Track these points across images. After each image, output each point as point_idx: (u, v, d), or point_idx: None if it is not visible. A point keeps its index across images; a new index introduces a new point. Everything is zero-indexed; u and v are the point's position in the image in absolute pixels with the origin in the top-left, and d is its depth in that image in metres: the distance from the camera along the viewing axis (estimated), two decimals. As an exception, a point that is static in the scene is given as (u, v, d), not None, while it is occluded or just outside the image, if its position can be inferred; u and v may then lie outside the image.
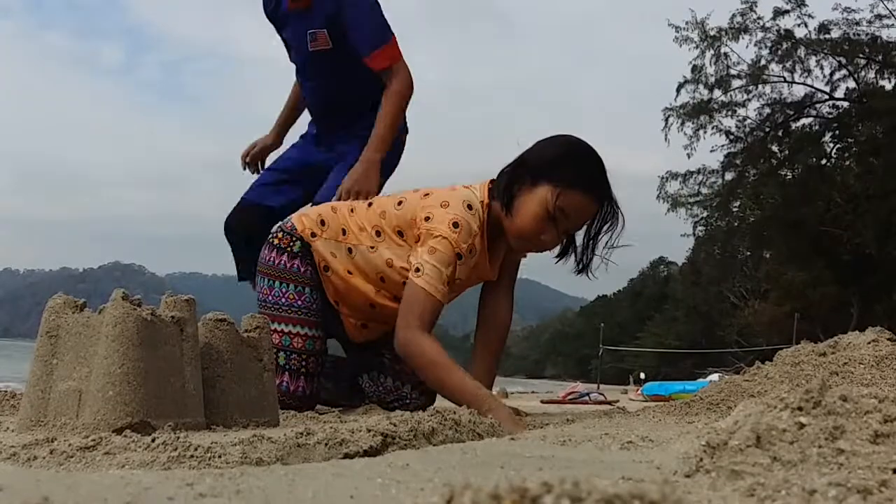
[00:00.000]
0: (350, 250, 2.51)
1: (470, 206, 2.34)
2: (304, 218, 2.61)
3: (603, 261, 2.50)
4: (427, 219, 2.32)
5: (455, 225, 2.29)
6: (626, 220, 2.42)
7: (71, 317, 1.66)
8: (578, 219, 2.39)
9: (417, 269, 2.25)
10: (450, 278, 2.28)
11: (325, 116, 3.31)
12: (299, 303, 2.51)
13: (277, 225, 2.67)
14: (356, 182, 2.95)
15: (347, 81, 3.16)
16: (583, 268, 2.50)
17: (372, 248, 2.48)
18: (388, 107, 3.05)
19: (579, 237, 2.49)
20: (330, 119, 3.29)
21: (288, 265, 2.53)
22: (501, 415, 2.01)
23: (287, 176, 3.35)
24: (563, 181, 2.29)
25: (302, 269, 2.53)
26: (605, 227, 2.43)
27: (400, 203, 2.46)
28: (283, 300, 2.51)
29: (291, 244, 2.54)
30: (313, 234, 2.54)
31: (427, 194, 2.43)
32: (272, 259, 2.56)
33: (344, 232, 2.53)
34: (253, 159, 3.56)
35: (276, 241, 2.57)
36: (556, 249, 2.51)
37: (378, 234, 2.48)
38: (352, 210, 2.58)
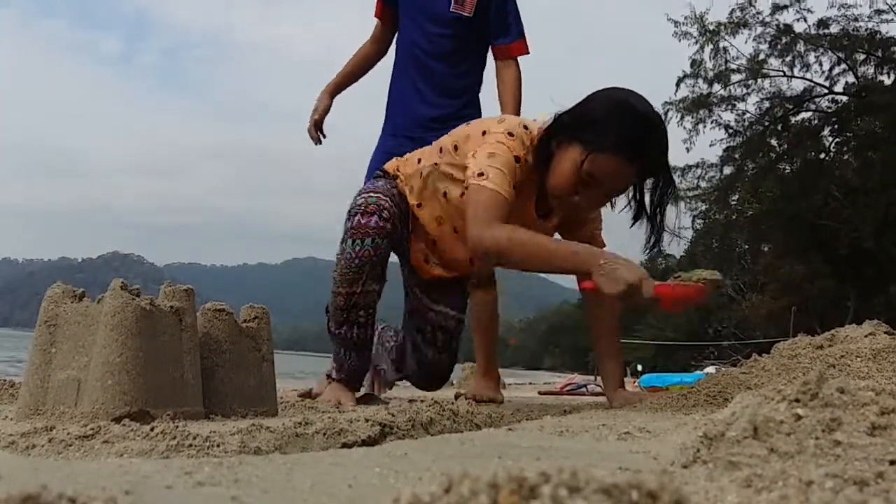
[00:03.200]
0: (421, 174, 2.54)
1: (526, 127, 2.34)
2: (390, 164, 2.70)
3: (674, 235, 2.41)
4: (484, 133, 2.35)
5: (510, 134, 2.29)
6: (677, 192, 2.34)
7: (70, 306, 1.66)
8: (612, 184, 2.26)
9: (481, 174, 2.23)
10: (512, 179, 2.24)
11: (428, 100, 3.31)
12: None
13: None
14: None
15: (464, 60, 3.27)
16: (655, 244, 2.38)
17: (436, 164, 2.50)
18: (516, 92, 3.31)
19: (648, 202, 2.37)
20: (428, 106, 3.30)
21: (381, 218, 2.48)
22: (619, 262, 2.02)
23: None
24: (594, 143, 2.18)
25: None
26: (666, 197, 2.30)
27: (468, 124, 2.51)
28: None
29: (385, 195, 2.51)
30: (397, 172, 2.62)
31: (489, 118, 2.50)
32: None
33: (419, 160, 2.58)
34: (318, 126, 3.48)
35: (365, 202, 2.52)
36: (627, 213, 2.40)
37: (441, 150, 2.51)
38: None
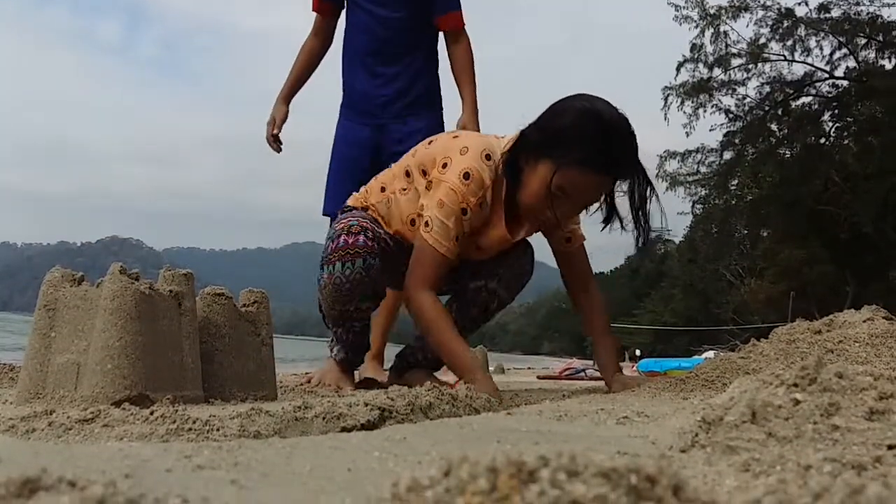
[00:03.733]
0: (388, 201, 2.50)
1: (489, 157, 2.30)
2: (354, 197, 2.63)
3: (660, 235, 2.48)
4: (444, 165, 2.32)
5: (466, 176, 2.27)
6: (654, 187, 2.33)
7: (69, 290, 1.66)
8: (583, 196, 2.29)
9: (427, 224, 2.28)
10: (457, 233, 2.29)
11: (386, 59, 3.29)
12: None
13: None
14: (476, 126, 3.24)
15: (417, 42, 3.28)
16: (644, 242, 2.38)
17: (404, 189, 2.47)
18: (469, 64, 3.34)
19: (623, 208, 2.38)
20: (390, 60, 3.29)
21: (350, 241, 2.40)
22: (483, 387, 2.04)
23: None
24: (562, 158, 2.18)
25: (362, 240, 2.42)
26: (645, 198, 2.30)
27: (431, 143, 2.47)
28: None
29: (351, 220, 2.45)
30: (364, 207, 2.56)
31: (456, 136, 2.43)
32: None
33: (383, 188, 2.54)
34: (276, 137, 3.47)
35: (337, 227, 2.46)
36: (600, 218, 2.43)
37: (407, 174, 2.47)
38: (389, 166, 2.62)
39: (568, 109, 2.24)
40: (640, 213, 2.32)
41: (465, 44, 3.34)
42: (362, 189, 2.64)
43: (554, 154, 2.21)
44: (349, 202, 2.62)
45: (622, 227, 2.38)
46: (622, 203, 2.37)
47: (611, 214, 2.39)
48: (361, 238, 2.35)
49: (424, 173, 2.41)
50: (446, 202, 2.27)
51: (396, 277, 2.45)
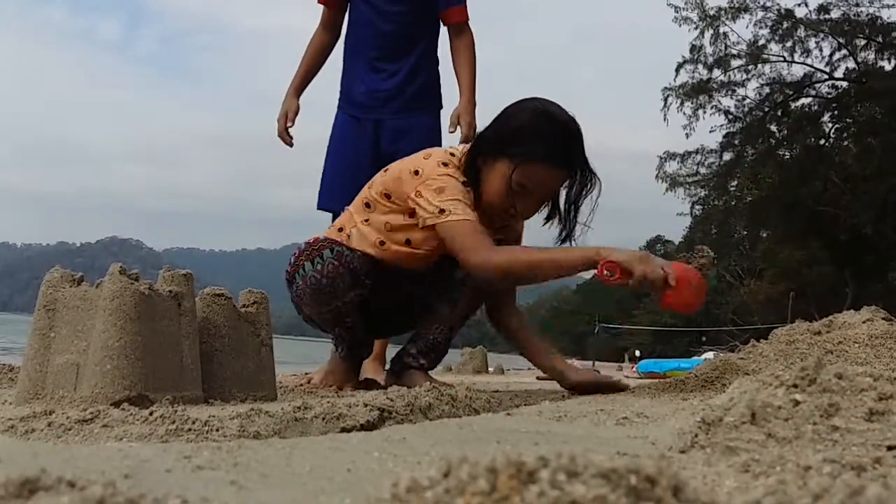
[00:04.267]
0: (348, 237, 2.47)
1: (452, 154, 2.39)
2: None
3: (584, 227, 2.47)
4: (416, 173, 2.33)
5: (444, 164, 2.32)
6: (602, 184, 2.39)
7: (68, 290, 1.66)
8: (544, 190, 2.37)
9: (441, 210, 2.24)
10: (469, 203, 2.28)
11: (391, 56, 3.31)
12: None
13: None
14: (472, 116, 3.27)
15: (418, 36, 3.28)
16: (566, 236, 2.47)
17: (366, 220, 2.45)
18: (471, 57, 3.34)
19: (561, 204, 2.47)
20: (394, 58, 3.30)
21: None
22: (619, 255, 2.07)
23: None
24: (520, 155, 2.27)
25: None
26: (582, 194, 2.39)
27: (386, 170, 2.47)
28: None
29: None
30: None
31: (408, 158, 2.45)
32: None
33: (340, 229, 2.52)
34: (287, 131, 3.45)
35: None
36: (543, 215, 2.49)
37: (368, 205, 2.46)
38: (344, 209, 2.59)
39: (522, 110, 2.35)
40: (573, 207, 2.42)
41: (468, 38, 3.34)
42: (324, 234, 2.58)
43: (512, 152, 2.29)
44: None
45: (560, 222, 2.47)
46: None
47: (554, 211, 2.48)
48: (322, 236, 2.39)
49: (388, 196, 2.41)
50: (445, 185, 2.28)
51: (375, 300, 2.47)
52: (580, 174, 2.37)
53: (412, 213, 2.35)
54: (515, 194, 2.31)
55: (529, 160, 2.28)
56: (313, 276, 2.32)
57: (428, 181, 2.30)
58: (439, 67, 3.41)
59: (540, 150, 2.28)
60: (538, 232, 2.56)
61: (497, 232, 2.53)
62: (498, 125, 2.36)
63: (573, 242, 2.49)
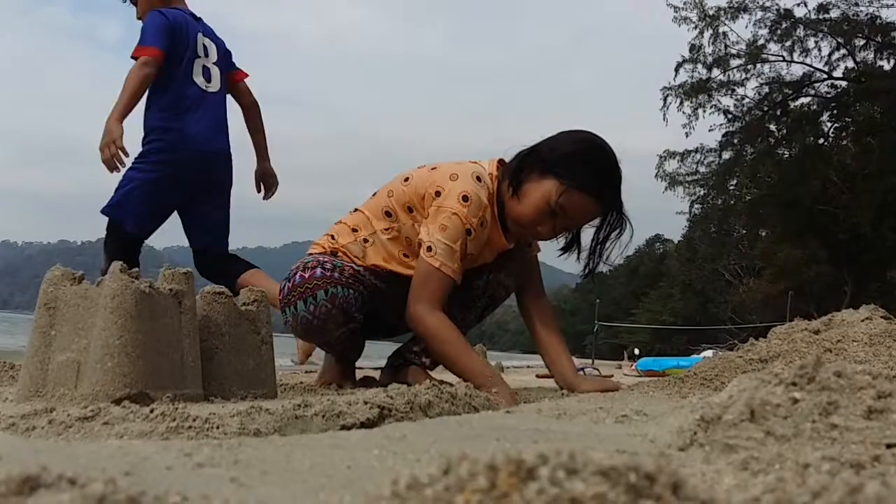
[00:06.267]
0: (366, 241, 2.48)
1: (479, 178, 2.35)
2: (317, 244, 2.57)
3: (607, 265, 2.54)
4: (437, 194, 2.32)
5: (465, 199, 2.30)
6: (633, 230, 2.43)
7: (69, 289, 1.66)
8: (578, 219, 2.40)
9: (429, 248, 2.27)
10: (462, 254, 2.30)
11: None
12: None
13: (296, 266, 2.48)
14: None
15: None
16: (590, 272, 2.53)
17: (387, 230, 2.45)
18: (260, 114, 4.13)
19: (585, 238, 2.51)
20: None
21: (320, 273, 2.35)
22: (505, 396, 2.08)
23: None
24: (570, 179, 2.29)
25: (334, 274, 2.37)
26: (612, 235, 2.43)
27: (407, 180, 2.45)
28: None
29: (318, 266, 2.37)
30: (333, 251, 2.49)
31: (434, 168, 2.43)
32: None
33: (354, 230, 2.51)
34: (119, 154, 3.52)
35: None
36: (560, 243, 2.55)
37: (388, 214, 2.45)
38: (354, 209, 2.58)
39: (582, 139, 2.38)
40: (600, 247, 2.46)
41: (248, 94, 4.05)
42: (323, 236, 2.58)
43: (563, 173, 2.30)
44: (313, 251, 2.53)
45: (577, 257, 2.53)
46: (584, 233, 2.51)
47: (572, 243, 2.54)
48: (318, 271, 2.32)
49: (410, 210, 2.41)
50: (449, 226, 2.28)
51: (381, 308, 2.48)
52: (614, 216, 2.40)
53: None
54: (551, 214, 2.33)
55: (579, 188, 2.30)
56: (305, 317, 2.32)
57: (441, 211, 2.30)
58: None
59: (591, 183, 2.31)
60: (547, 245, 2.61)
61: (514, 251, 2.57)
62: (554, 145, 2.36)
63: (594, 278, 2.61)
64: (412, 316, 2.30)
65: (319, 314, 2.30)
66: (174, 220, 3.76)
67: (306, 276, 2.32)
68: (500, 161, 2.47)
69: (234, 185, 3.86)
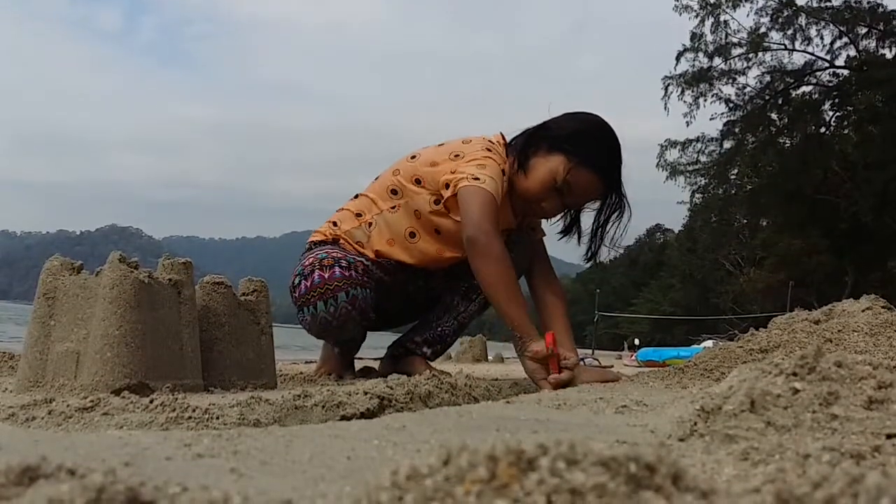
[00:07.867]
0: (370, 224, 2.48)
1: (492, 142, 2.39)
2: (319, 232, 2.56)
3: (611, 250, 2.53)
4: (457, 156, 2.33)
5: (488, 149, 2.33)
6: (632, 213, 2.42)
7: (68, 279, 1.66)
8: (583, 196, 2.40)
9: (476, 178, 2.21)
10: (501, 191, 2.26)
11: None
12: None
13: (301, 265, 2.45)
14: None
15: None
16: (591, 255, 2.52)
17: (393, 208, 2.45)
18: None
19: (585, 224, 2.51)
20: None
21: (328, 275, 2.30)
22: (535, 347, 2.10)
23: None
24: (577, 156, 2.30)
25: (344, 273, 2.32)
26: (613, 217, 2.43)
27: (414, 157, 2.46)
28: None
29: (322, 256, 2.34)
30: (335, 238, 2.49)
31: (441, 144, 2.45)
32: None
33: (358, 215, 2.51)
34: None
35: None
36: (560, 226, 2.55)
37: (394, 192, 2.45)
38: (356, 196, 2.58)
39: (589, 119, 2.39)
40: (601, 229, 2.45)
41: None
42: (326, 223, 2.56)
43: (572, 150, 2.31)
44: (314, 238, 2.52)
45: (578, 241, 2.53)
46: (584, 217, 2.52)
47: (572, 226, 2.55)
48: (337, 270, 2.27)
49: (418, 181, 2.41)
50: (487, 164, 2.26)
51: (384, 301, 2.46)
52: (615, 197, 2.41)
53: (438, 200, 2.36)
54: (556, 190, 2.34)
55: (587, 164, 2.31)
56: (324, 318, 2.28)
57: (470, 159, 2.30)
58: None
59: (599, 160, 2.33)
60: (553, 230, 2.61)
61: (517, 238, 2.54)
62: (563, 123, 2.38)
63: (598, 262, 2.58)
64: (472, 239, 2.13)
65: (339, 315, 2.27)
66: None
67: (326, 276, 2.26)
68: (503, 137, 2.47)
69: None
